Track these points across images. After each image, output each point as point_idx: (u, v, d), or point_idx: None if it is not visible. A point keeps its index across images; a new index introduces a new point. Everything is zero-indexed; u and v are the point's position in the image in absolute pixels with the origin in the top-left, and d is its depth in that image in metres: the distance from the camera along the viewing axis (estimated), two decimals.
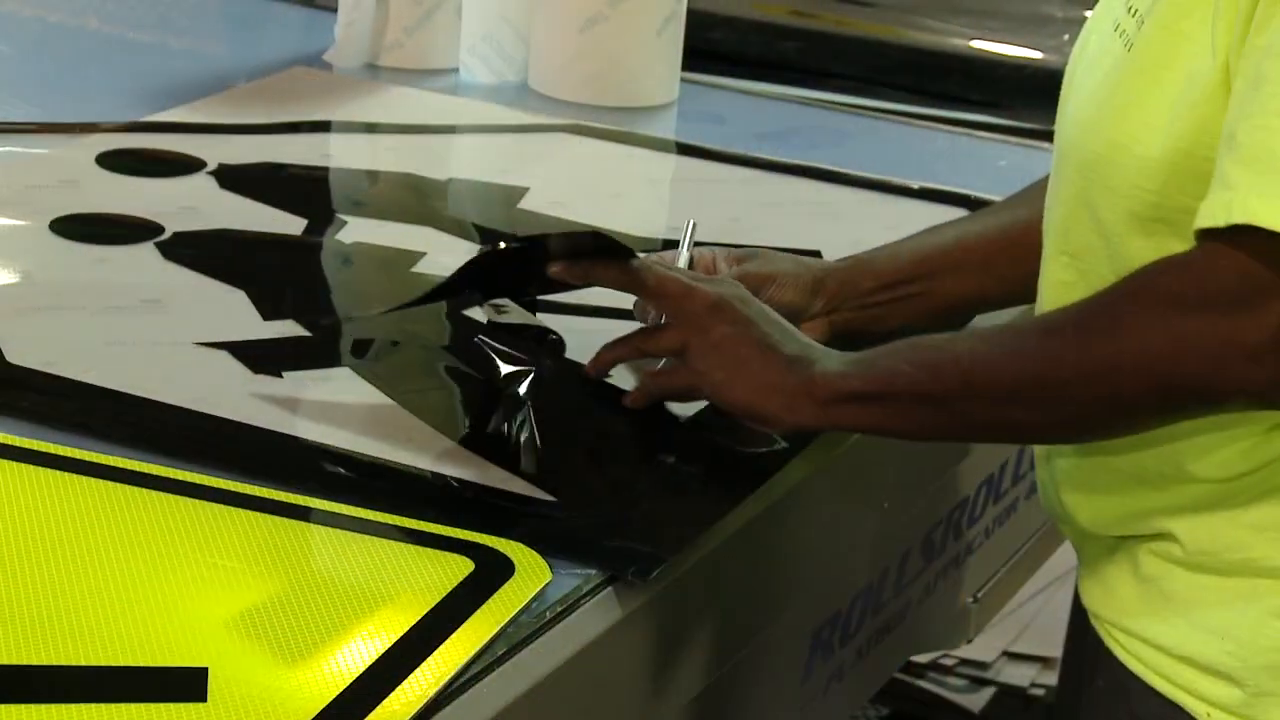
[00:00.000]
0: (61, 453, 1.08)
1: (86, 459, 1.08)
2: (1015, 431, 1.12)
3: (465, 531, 1.03)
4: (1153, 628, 1.06)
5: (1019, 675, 2.54)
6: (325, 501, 1.06)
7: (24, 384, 1.17)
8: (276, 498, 1.06)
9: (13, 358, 1.20)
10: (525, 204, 1.58)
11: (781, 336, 1.11)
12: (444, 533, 1.03)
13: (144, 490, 1.05)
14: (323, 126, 1.75)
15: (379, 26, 1.91)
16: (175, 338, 1.26)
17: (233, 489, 1.06)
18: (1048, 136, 1.20)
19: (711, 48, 2.02)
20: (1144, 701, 1.06)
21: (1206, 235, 0.94)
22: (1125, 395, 0.98)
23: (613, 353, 1.19)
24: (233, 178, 1.57)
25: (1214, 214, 0.93)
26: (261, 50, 1.99)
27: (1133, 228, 1.02)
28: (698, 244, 1.28)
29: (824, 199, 1.66)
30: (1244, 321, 0.93)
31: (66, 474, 1.06)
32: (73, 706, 0.85)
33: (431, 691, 0.90)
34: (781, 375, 1.08)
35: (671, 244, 1.32)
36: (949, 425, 1.07)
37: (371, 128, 1.77)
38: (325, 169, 1.66)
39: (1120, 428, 1.03)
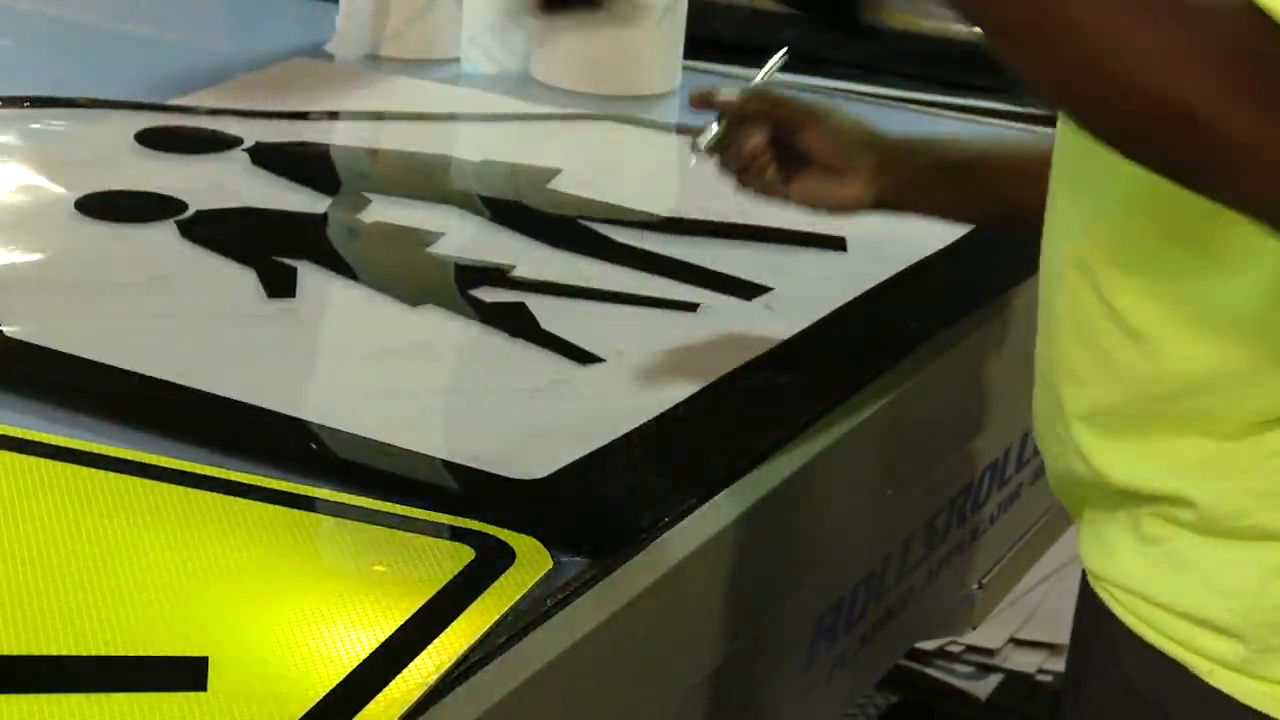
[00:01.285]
0: (57, 442, 1.08)
1: (82, 448, 1.08)
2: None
3: (466, 520, 1.03)
4: (1153, 584, 1.03)
5: (1026, 662, 2.54)
6: (325, 490, 1.06)
7: (15, 356, 1.19)
8: (275, 486, 1.06)
9: (10, 332, 1.22)
10: (555, 185, 1.60)
11: None
12: (445, 521, 1.03)
13: (141, 480, 1.05)
14: (333, 115, 1.75)
15: (380, 16, 1.91)
16: (176, 313, 1.28)
17: (231, 478, 1.06)
18: (1051, 121, 1.19)
19: (712, 36, 2.02)
20: (1140, 660, 1.04)
21: None
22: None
23: None
24: (266, 155, 1.58)
25: None
26: (263, 41, 1.98)
27: None
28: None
29: None
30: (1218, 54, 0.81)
31: (61, 463, 1.06)
32: (72, 696, 0.85)
33: (432, 679, 0.90)
34: None
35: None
36: None
37: (378, 115, 1.78)
38: (362, 149, 1.70)
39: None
